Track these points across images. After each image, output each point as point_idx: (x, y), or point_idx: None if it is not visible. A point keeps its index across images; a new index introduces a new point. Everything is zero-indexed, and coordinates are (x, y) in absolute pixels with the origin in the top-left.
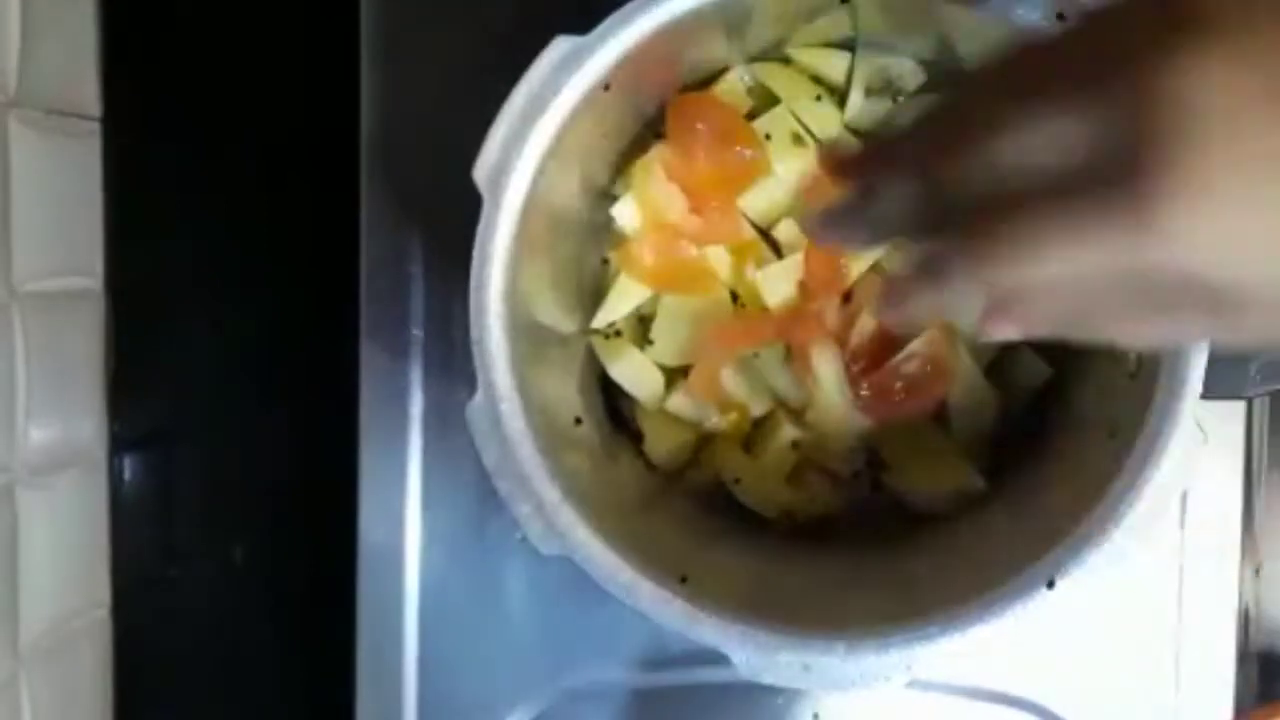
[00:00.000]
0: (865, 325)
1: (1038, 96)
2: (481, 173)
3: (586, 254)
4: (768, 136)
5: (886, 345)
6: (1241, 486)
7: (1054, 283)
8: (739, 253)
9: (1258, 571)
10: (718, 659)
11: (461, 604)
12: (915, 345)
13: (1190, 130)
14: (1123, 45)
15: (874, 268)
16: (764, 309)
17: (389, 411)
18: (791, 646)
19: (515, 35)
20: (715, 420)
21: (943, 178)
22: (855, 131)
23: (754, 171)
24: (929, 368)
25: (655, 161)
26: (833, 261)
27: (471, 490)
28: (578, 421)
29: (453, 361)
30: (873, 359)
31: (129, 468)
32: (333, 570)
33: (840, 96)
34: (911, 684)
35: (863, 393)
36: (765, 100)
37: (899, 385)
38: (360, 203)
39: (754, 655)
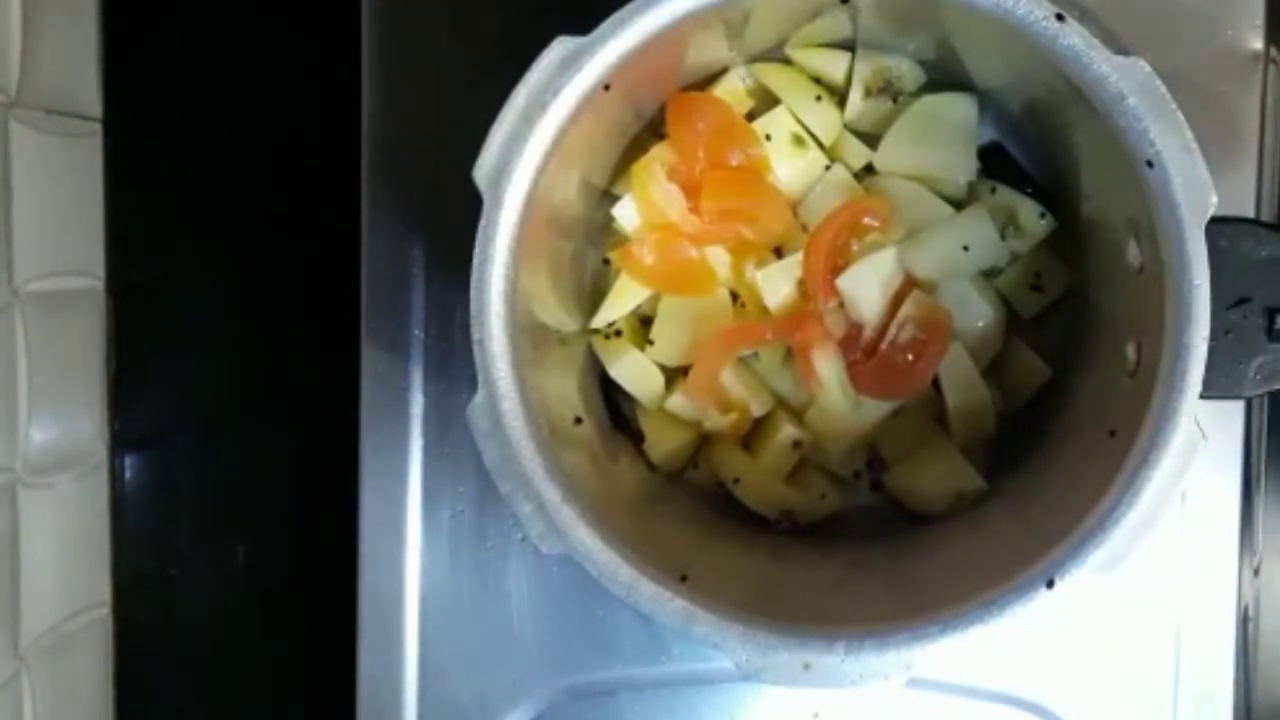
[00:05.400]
0: (858, 313)
1: None
2: (482, 173)
3: (586, 254)
4: (768, 137)
5: (880, 329)
6: (1241, 486)
7: None
8: (739, 253)
9: (1257, 571)
10: (717, 659)
11: (461, 604)
12: (905, 310)
13: None
14: None
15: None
16: (764, 309)
17: (389, 411)
18: (791, 646)
19: (515, 35)
20: (715, 420)
21: None
22: (855, 132)
23: (754, 171)
24: (924, 326)
25: (655, 161)
26: (832, 262)
27: (471, 490)
28: (578, 421)
29: (453, 362)
30: (870, 347)
31: (129, 467)
32: (333, 570)
33: (840, 96)
34: (911, 683)
35: (872, 381)
36: (765, 100)
37: (904, 356)
38: (361, 203)
39: (754, 654)
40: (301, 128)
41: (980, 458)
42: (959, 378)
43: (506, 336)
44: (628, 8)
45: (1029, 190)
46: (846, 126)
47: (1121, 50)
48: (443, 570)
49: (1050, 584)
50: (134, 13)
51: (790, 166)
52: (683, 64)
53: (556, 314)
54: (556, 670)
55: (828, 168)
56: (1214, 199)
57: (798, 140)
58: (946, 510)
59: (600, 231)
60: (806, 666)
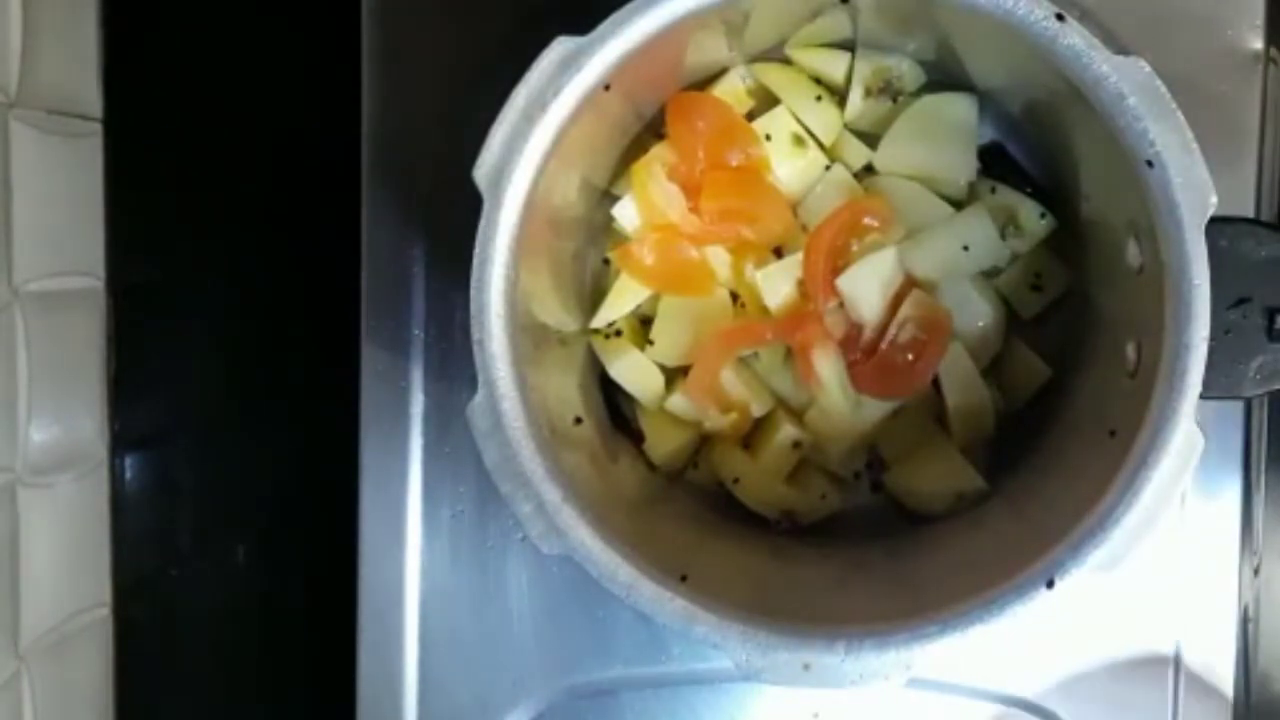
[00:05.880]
0: (858, 313)
1: None
2: (482, 173)
3: (586, 254)
4: (768, 137)
5: (880, 329)
6: (1241, 486)
7: None
8: (739, 253)
9: (1257, 571)
10: (717, 659)
11: (461, 604)
12: (905, 310)
13: None
14: None
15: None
16: (764, 309)
17: (389, 411)
18: (791, 646)
19: (515, 35)
20: (715, 420)
21: None
22: (855, 131)
23: (754, 171)
24: (925, 326)
25: (655, 161)
26: (832, 262)
27: (471, 490)
28: (578, 421)
29: (453, 361)
30: (870, 347)
31: (129, 467)
32: (333, 570)
33: (840, 96)
34: (911, 683)
35: (872, 381)
36: (765, 100)
37: (904, 356)
38: (361, 203)
39: (753, 654)
40: (301, 128)
41: (980, 458)
42: (959, 378)
43: (506, 336)
44: (628, 8)
45: (1029, 190)
46: (846, 126)
47: (1121, 50)
48: (443, 570)
49: (1050, 584)
50: (134, 13)
51: (790, 166)
52: (683, 64)
53: (556, 314)
54: (556, 670)
55: (828, 168)
56: (1214, 199)
57: (798, 140)
58: (946, 510)
59: (600, 231)
60: (806, 666)
